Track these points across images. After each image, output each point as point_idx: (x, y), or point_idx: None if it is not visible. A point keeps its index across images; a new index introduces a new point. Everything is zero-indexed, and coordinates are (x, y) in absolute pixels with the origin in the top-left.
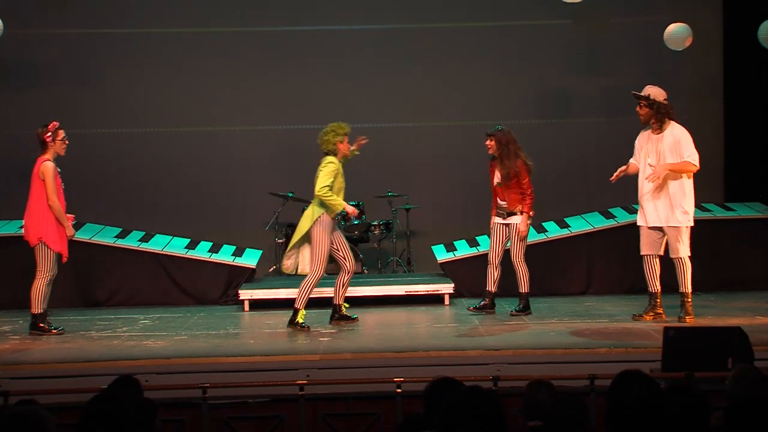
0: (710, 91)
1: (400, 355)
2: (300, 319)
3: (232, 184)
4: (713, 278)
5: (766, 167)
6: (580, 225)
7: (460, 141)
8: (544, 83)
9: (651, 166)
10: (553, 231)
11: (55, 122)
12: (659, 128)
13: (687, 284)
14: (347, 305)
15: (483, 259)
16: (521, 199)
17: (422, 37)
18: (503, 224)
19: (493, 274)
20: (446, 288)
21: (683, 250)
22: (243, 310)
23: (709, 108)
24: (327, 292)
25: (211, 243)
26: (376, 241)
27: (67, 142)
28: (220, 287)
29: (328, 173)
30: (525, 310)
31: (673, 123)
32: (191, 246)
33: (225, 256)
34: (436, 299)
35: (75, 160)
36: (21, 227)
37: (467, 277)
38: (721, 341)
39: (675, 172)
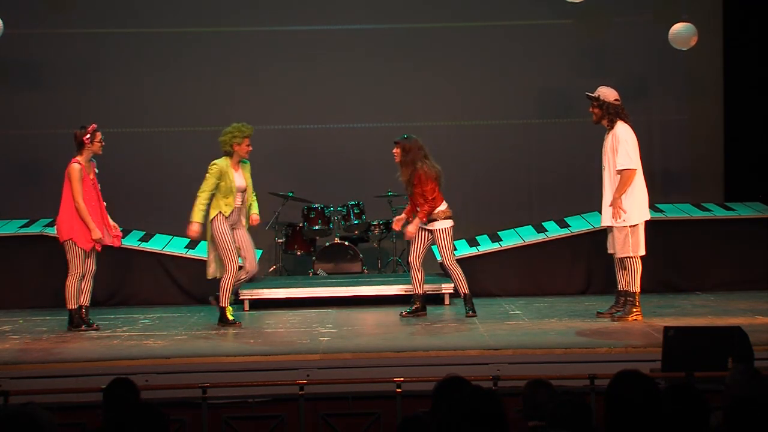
0: (710, 91)
1: (400, 355)
2: (229, 316)
3: None
4: (713, 278)
5: (766, 167)
6: (580, 225)
7: (460, 141)
8: (545, 83)
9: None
10: (553, 231)
11: (93, 124)
12: (610, 128)
13: (632, 284)
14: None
15: (483, 259)
16: (422, 205)
17: (422, 37)
18: (425, 229)
19: (417, 276)
20: (446, 288)
21: (628, 250)
22: (243, 309)
23: (709, 108)
24: (324, 291)
25: None
26: (376, 240)
27: (104, 143)
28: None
29: (208, 176)
30: (470, 310)
31: (620, 123)
32: (191, 246)
33: None
34: (436, 299)
35: None
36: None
37: (467, 276)
38: (721, 341)
39: (623, 190)
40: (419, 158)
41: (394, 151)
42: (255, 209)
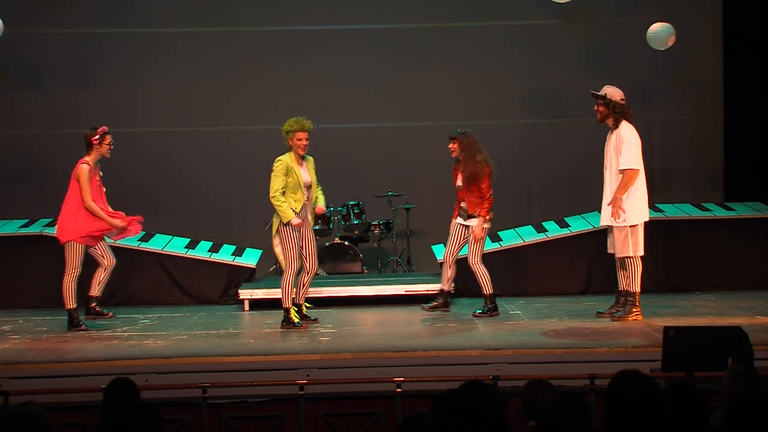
0: (710, 91)
1: (400, 355)
2: (294, 318)
3: (233, 184)
4: (713, 278)
5: (766, 167)
6: (580, 225)
7: None
8: (545, 83)
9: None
10: (553, 231)
11: (104, 126)
12: (615, 128)
13: (632, 284)
14: (309, 305)
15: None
16: (480, 203)
17: (422, 37)
18: (463, 225)
19: (447, 273)
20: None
21: (628, 250)
22: (243, 309)
23: (709, 108)
24: (324, 291)
25: (211, 243)
26: (376, 240)
27: (113, 146)
28: (220, 287)
29: (274, 175)
30: (492, 311)
31: (624, 123)
32: (191, 246)
33: (225, 255)
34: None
35: (75, 160)
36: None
37: (467, 276)
38: (721, 341)
39: (625, 190)
40: (479, 152)
41: (450, 146)
42: (322, 201)
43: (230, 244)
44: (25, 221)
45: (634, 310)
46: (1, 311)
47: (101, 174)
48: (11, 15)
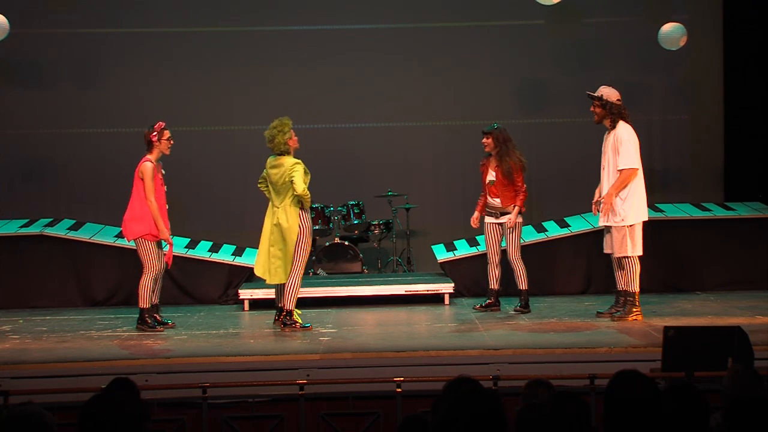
0: (710, 91)
1: (400, 355)
2: (298, 320)
3: (233, 184)
4: (713, 278)
5: (766, 167)
6: (580, 225)
7: (460, 141)
8: (547, 83)
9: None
10: (553, 231)
11: (161, 122)
12: (612, 128)
13: (631, 284)
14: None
15: (483, 258)
16: (515, 197)
17: (423, 37)
18: (497, 223)
19: (494, 273)
20: (446, 288)
21: (626, 250)
22: (243, 309)
23: (709, 108)
24: (324, 291)
25: (211, 243)
26: (376, 240)
27: (172, 142)
28: (220, 287)
29: (300, 174)
30: (526, 307)
31: (622, 123)
32: (191, 245)
33: (225, 255)
34: (436, 299)
35: (75, 160)
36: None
37: (467, 276)
38: (721, 341)
39: (620, 188)
40: (513, 147)
41: (484, 141)
42: None
43: (230, 244)
44: (25, 221)
45: (634, 310)
46: (1, 311)
47: (163, 172)
48: (11, 15)
